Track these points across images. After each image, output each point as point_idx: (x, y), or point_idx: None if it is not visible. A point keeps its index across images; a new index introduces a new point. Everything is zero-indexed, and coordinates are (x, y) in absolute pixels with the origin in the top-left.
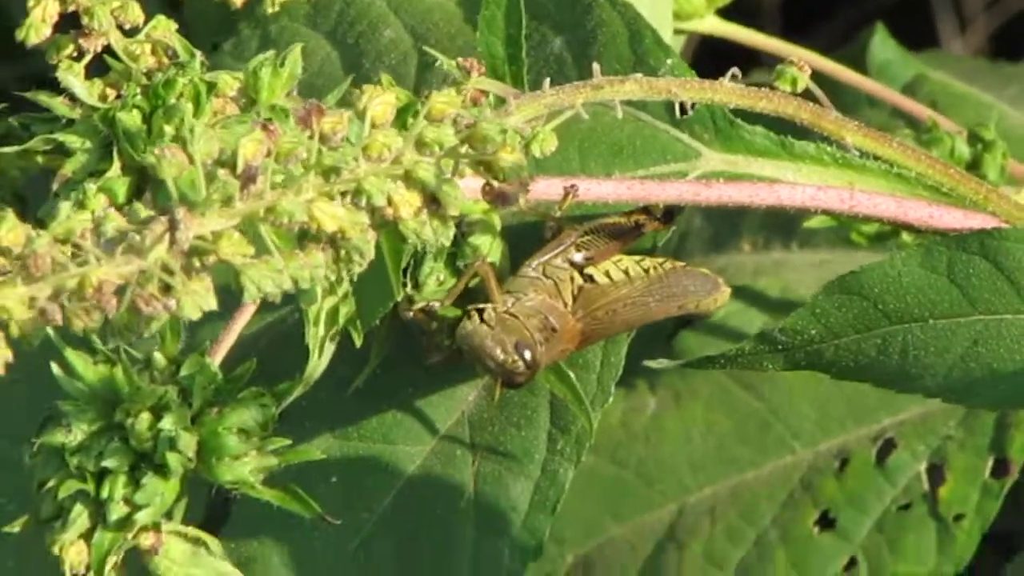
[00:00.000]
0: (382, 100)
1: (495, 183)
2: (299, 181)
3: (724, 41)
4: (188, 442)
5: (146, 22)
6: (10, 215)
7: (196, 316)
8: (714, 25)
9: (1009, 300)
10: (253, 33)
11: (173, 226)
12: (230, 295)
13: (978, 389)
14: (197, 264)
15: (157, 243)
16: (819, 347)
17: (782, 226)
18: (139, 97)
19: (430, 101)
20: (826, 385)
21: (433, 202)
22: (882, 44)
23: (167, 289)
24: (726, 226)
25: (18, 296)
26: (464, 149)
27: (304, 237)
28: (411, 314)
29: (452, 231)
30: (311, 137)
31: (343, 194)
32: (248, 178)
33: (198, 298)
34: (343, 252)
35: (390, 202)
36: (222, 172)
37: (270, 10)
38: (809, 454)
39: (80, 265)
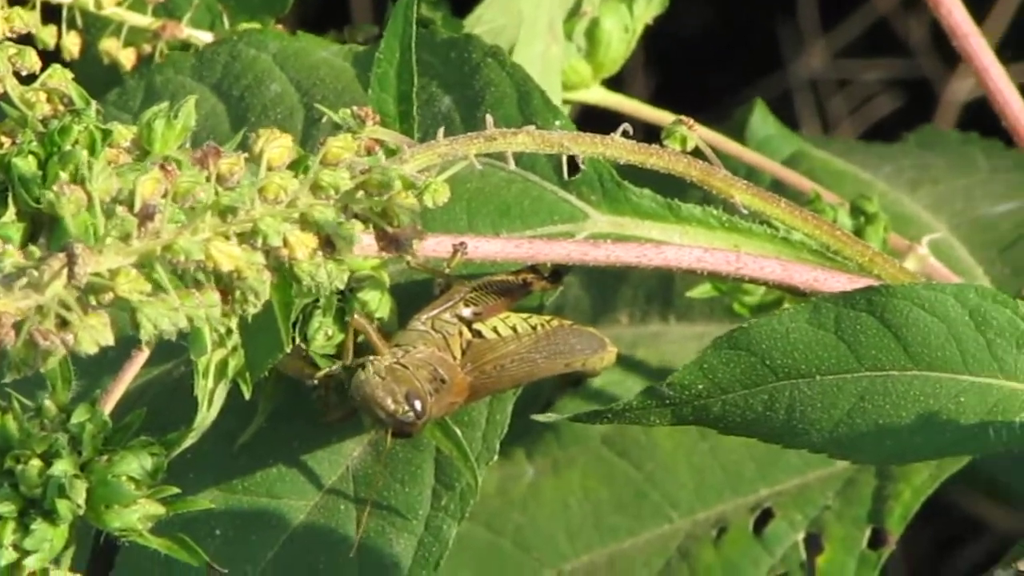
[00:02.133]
0: (279, 143)
1: (389, 229)
2: (196, 220)
3: (607, 113)
4: (78, 488)
5: (42, 70)
6: None
7: (93, 350)
8: (600, 95)
9: (895, 356)
10: (138, 84)
11: (71, 261)
12: (119, 349)
13: (863, 445)
14: (93, 302)
15: (55, 278)
16: (706, 402)
17: (658, 299)
18: (34, 143)
19: (326, 145)
20: (703, 455)
21: (328, 245)
22: (762, 120)
23: (64, 324)
24: (602, 298)
25: None
26: (359, 194)
27: (199, 277)
28: (316, 382)
29: (347, 275)
30: (208, 178)
31: (239, 235)
32: (146, 216)
33: (95, 333)
34: (238, 292)
35: (286, 243)
36: (120, 209)
37: (159, 59)
38: (686, 523)
39: None
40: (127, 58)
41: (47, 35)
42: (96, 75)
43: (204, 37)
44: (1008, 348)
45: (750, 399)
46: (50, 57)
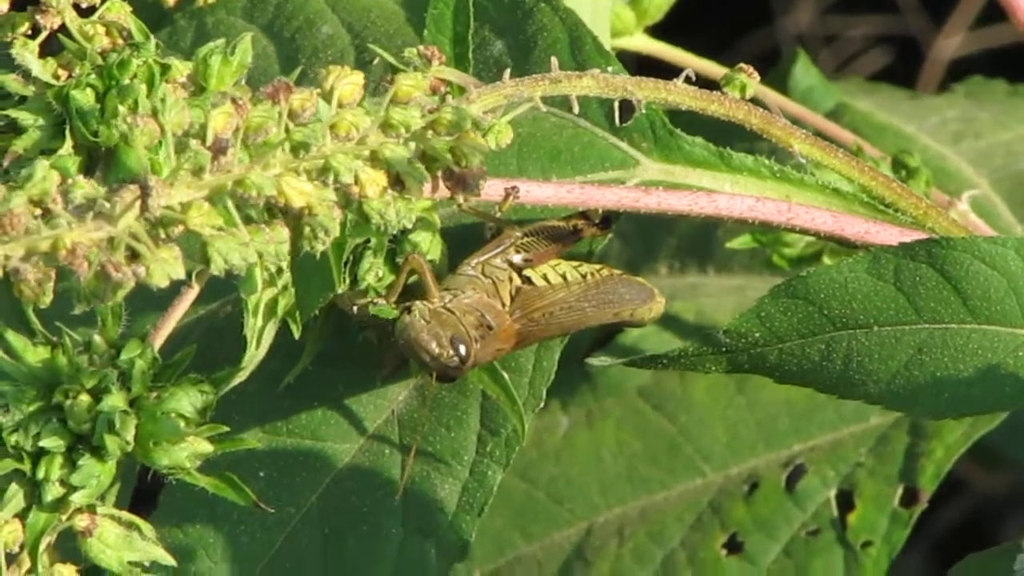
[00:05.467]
0: (350, 80)
1: (456, 169)
2: (267, 156)
3: (643, 60)
4: (127, 424)
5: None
6: None
7: (164, 284)
8: (644, 43)
9: (955, 309)
10: (189, 24)
11: (145, 193)
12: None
13: (920, 397)
14: (163, 235)
15: (127, 210)
16: (763, 351)
17: (698, 250)
18: (93, 76)
19: (396, 83)
20: (737, 409)
21: (398, 183)
22: (804, 71)
23: (135, 257)
24: (643, 249)
25: None
26: (429, 134)
27: (268, 212)
28: (355, 310)
29: (415, 214)
30: (280, 114)
31: (309, 172)
32: (218, 150)
33: (167, 266)
34: (307, 229)
35: (357, 181)
36: (193, 143)
37: (202, 2)
38: (719, 477)
39: (51, 229)
40: None
41: None
42: (138, 10)
43: None
44: None
45: (807, 348)
46: None
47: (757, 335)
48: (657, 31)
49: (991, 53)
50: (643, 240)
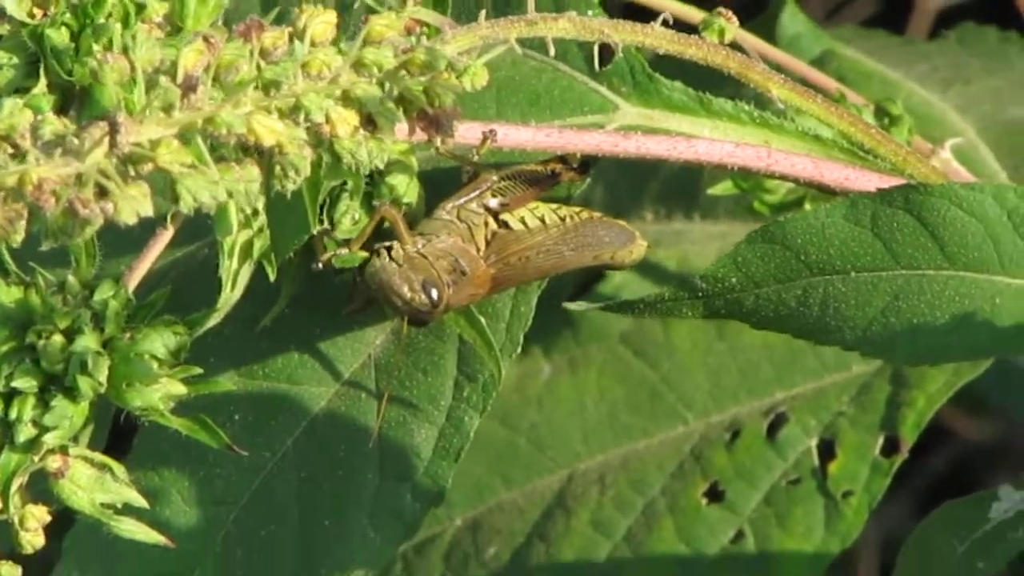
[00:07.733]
0: (323, 19)
1: (430, 110)
2: (238, 94)
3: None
4: (100, 365)
5: None
6: None
7: (132, 221)
8: None
9: (932, 255)
10: None
11: (114, 130)
12: (143, 228)
13: (897, 343)
14: (132, 172)
15: (96, 147)
16: (739, 296)
17: (684, 196)
18: (68, 15)
19: (369, 23)
20: (720, 355)
21: (370, 123)
22: (792, 17)
23: (103, 193)
24: (628, 195)
25: None
26: (402, 74)
27: (240, 151)
28: (320, 265)
29: (387, 154)
30: (251, 52)
31: (280, 110)
32: (188, 88)
33: (135, 203)
34: (278, 168)
35: (328, 120)
36: (163, 80)
37: None
38: (700, 425)
39: (18, 165)
40: None
41: None
42: None
43: None
44: None
45: (783, 294)
46: None
47: (734, 280)
48: None
49: (978, 1)
50: (628, 186)
